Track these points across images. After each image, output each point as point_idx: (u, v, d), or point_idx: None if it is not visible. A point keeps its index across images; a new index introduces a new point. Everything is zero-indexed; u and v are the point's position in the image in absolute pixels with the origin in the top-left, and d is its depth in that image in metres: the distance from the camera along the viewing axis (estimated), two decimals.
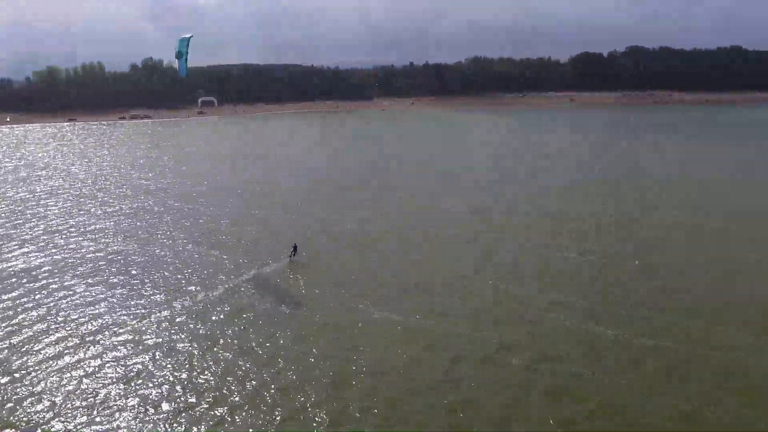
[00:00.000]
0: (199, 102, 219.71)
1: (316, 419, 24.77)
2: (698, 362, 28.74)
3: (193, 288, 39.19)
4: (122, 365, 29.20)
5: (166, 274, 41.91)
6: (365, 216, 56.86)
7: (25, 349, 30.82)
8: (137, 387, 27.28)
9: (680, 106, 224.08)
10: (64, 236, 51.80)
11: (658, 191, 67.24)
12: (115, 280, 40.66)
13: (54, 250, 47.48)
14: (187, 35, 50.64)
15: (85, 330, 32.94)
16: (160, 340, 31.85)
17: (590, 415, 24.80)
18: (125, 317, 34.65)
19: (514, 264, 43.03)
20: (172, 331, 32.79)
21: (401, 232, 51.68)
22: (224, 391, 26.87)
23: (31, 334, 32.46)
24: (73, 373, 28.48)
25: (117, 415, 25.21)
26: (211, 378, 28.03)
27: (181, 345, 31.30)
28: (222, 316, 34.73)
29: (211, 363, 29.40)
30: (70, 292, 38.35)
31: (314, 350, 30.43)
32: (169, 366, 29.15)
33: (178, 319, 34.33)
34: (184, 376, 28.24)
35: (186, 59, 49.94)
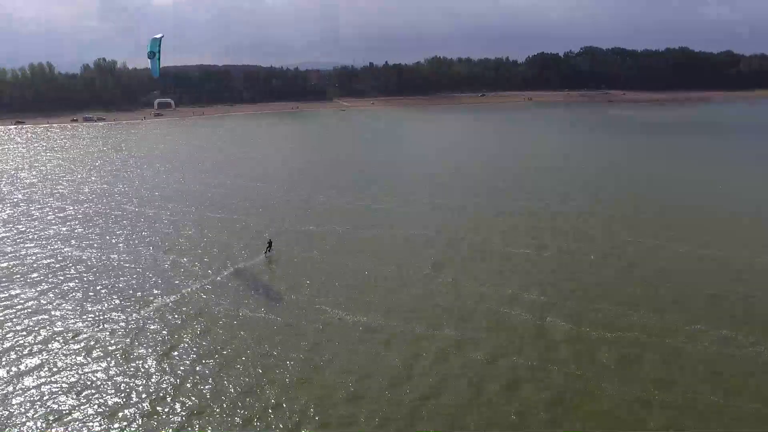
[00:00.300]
0: (156, 104, 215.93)
1: (277, 420, 24.76)
2: (649, 349, 29.97)
3: (150, 293, 38.52)
4: (77, 373, 28.53)
5: (122, 279, 41.03)
6: (323, 216, 56.91)
7: None
8: (92, 395, 26.70)
9: (632, 104, 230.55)
10: (12, 243, 50.07)
11: (609, 186, 69.48)
12: (69, 287, 39.59)
13: (0, 258, 45.96)
14: (158, 35, 50.42)
15: (38, 338, 32.05)
16: (117, 346, 31.21)
17: (547, 406, 25.54)
18: (80, 324, 33.82)
19: (472, 261, 43.75)
20: (129, 337, 32.19)
21: (359, 232, 51.85)
22: (182, 397, 26.56)
23: None
24: (26, 382, 27.69)
25: (72, 424, 24.65)
26: (169, 383, 27.66)
27: (139, 351, 30.75)
28: (180, 321, 34.26)
29: (168, 368, 29.00)
30: (21, 301, 37.20)
31: (275, 351, 30.36)
32: (126, 372, 28.61)
33: (134, 325, 33.72)
34: (140, 382, 27.77)
35: (159, 59, 50.03)
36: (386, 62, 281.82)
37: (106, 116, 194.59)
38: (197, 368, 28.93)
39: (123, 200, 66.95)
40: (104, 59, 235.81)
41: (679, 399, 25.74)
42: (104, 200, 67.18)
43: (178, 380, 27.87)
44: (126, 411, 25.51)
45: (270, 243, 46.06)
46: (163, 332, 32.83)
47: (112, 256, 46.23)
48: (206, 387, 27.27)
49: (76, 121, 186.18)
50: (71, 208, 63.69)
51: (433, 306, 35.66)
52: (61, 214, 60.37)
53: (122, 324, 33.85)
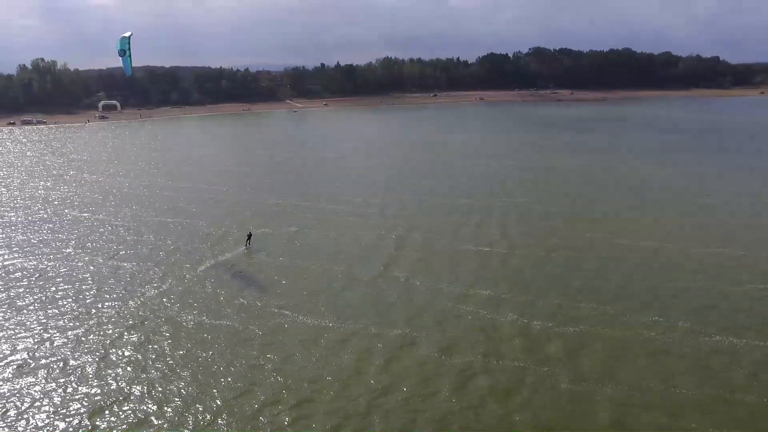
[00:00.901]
0: (100, 106, 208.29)
1: (226, 428, 23.94)
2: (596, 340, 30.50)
3: (91, 302, 36.83)
4: (9, 390, 26.89)
5: (60, 288, 39.08)
6: (273, 217, 55.99)
7: None
8: (27, 411, 25.19)
9: (578, 102, 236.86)
10: None
11: (558, 184, 70.91)
12: (3, 297, 37.47)
13: None
14: (127, 33, 49.89)
15: None
16: (55, 357, 29.63)
17: (499, 398, 25.59)
18: (15, 338, 31.98)
19: (424, 259, 43.68)
20: (67, 348, 30.61)
21: (309, 233, 51.17)
22: (124, 407, 25.36)
23: None
24: None
25: None
26: (109, 394, 26.37)
27: (76, 362, 29.25)
28: (121, 330, 32.79)
29: (110, 378, 27.68)
30: None
31: (221, 358, 29.44)
32: (64, 385, 27.13)
33: (72, 334, 32.12)
34: (80, 394, 26.39)
35: (130, 56, 49.61)
36: (338, 63, 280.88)
37: (46, 119, 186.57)
38: (141, 377, 27.72)
39: (64, 206, 64.09)
40: (43, 59, 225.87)
41: (625, 388, 26.23)
42: (44, 206, 64.13)
43: (118, 391, 26.61)
44: (63, 424, 24.17)
45: (250, 235, 47.21)
46: (105, 342, 31.33)
47: (50, 264, 44.01)
48: (148, 397, 26.13)
49: (14, 124, 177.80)
50: (9, 214, 60.53)
51: (386, 305, 35.32)
52: None
53: (59, 335, 32.17)
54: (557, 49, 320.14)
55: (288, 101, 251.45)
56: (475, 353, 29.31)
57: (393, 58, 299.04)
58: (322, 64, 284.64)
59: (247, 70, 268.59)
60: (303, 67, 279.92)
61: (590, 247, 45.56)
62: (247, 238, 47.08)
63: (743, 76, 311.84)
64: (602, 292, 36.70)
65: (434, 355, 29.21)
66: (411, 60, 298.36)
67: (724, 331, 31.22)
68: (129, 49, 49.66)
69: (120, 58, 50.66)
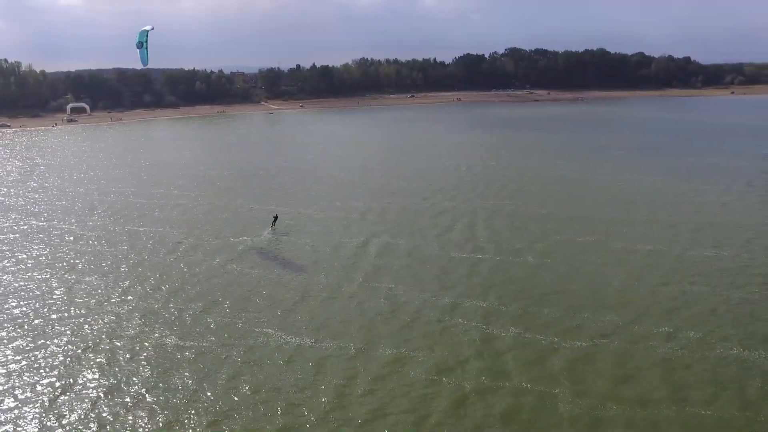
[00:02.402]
0: (68, 109, 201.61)
1: None
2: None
3: (47, 321, 33.83)
4: None
5: (13, 305, 35.96)
6: (246, 225, 53.23)
7: None
8: None
9: (556, 103, 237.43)
10: None
11: (528, 184, 69.37)
12: None
13: None
14: (148, 27, 51.58)
15: None
16: (9, 384, 26.68)
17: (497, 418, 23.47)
18: None
19: (409, 267, 41.44)
20: (26, 372, 27.67)
21: (285, 241, 48.65)
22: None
23: None
24: None
25: None
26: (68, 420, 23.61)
27: (39, 386, 26.37)
28: (81, 351, 29.99)
29: (67, 412, 24.88)
30: None
31: (193, 383, 26.82)
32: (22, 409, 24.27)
33: (28, 357, 29.16)
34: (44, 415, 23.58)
35: (147, 48, 51.58)
36: (314, 64, 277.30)
37: (10, 123, 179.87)
38: (103, 406, 24.99)
39: (26, 214, 60.37)
40: (6, 60, 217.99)
41: (631, 406, 24.32)
42: (4, 215, 60.33)
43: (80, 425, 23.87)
44: None
45: (275, 217, 51.31)
46: (67, 362, 28.57)
47: (6, 277, 40.79)
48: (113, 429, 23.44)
49: None
50: None
51: (368, 320, 32.93)
52: None
53: (12, 357, 29.21)
54: (533, 49, 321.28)
55: (263, 103, 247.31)
56: (467, 372, 27.15)
57: (369, 58, 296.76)
58: (297, 65, 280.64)
59: (221, 71, 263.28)
60: (278, 68, 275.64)
61: (584, 251, 43.87)
62: (273, 220, 51.28)
63: (714, 76, 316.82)
64: (597, 298, 34.97)
65: (423, 376, 26.96)
66: (387, 60, 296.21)
67: (730, 340, 29.65)
68: (146, 41, 51.30)
69: (137, 50, 52.45)
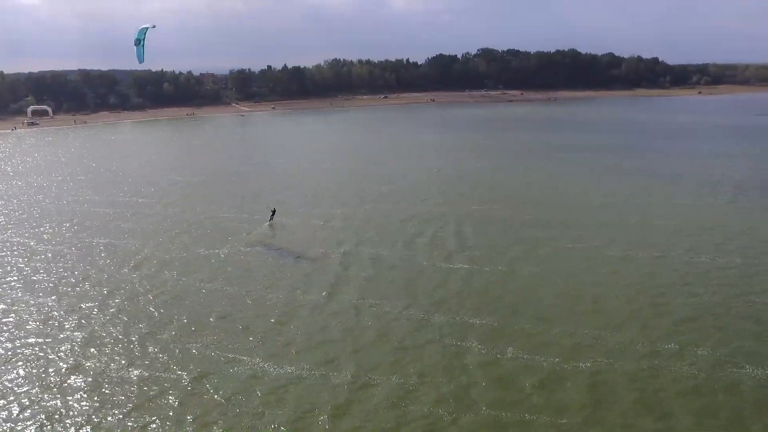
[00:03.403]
0: (29, 111, 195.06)
1: None
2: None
3: None
4: None
5: None
6: (204, 235, 50.80)
7: None
8: None
9: (530, 103, 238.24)
10: None
11: (523, 190, 68.22)
12: None
13: None
14: (148, 25, 51.65)
15: None
16: None
17: None
18: None
19: (376, 278, 39.54)
20: None
21: (242, 252, 46.36)
22: None
23: None
24: None
25: None
26: None
27: None
28: (18, 380, 27.38)
29: None
30: None
31: (137, 416, 24.49)
32: None
33: None
34: None
35: (143, 46, 51.95)
36: (285, 65, 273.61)
37: None
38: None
39: None
40: None
41: None
42: None
43: None
44: None
45: (273, 211, 53.22)
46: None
47: None
48: None
49: None
50: None
51: (328, 342, 30.70)
52: None
53: None
54: (505, 50, 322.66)
55: (234, 105, 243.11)
56: (439, 398, 25.28)
57: (341, 59, 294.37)
58: (268, 66, 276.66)
59: (190, 72, 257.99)
60: (249, 69, 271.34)
61: (555, 257, 42.49)
62: (271, 214, 53.13)
63: (681, 77, 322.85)
64: (571, 310, 33.54)
65: (390, 402, 25.06)
66: (360, 61, 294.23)
67: (714, 351, 28.42)
68: (144, 39, 51.58)
69: (135, 47, 52.53)
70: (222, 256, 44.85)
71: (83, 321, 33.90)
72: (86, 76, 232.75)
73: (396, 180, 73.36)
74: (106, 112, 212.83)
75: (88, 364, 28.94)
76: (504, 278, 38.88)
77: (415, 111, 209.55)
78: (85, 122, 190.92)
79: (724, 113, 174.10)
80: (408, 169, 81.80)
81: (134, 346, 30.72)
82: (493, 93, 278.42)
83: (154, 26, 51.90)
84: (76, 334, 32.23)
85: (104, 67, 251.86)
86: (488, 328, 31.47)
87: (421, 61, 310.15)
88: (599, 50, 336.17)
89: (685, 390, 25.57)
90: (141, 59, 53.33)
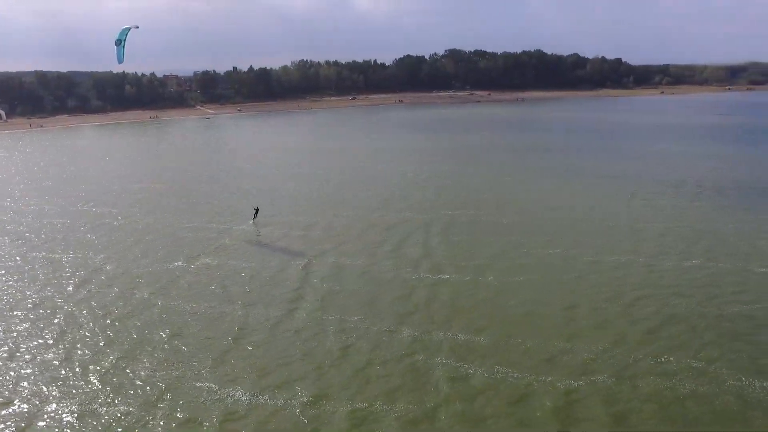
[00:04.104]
0: None
1: None
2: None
3: None
4: None
5: None
6: (156, 247, 48.04)
7: None
8: None
9: (498, 104, 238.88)
10: None
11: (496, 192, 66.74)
12: None
13: None
14: (132, 25, 51.09)
15: None
16: None
17: None
18: None
19: (358, 292, 37.36)
20: None
21: (197, 264, 43.73)
22: None
23: None
24: None
25: None
26: None
27: None
28: None
29: None
30: None
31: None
32: None
33: None
34: None
35: (124, 47, 51.67)
36: (251, 66, 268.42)
37: None
38: None
39: None
40: None
41: None
42: None
43: None
44: None
45: (257, 210, 53.90)
46: None
47: None
48: None
49: None
50: None
51: (288, 362, 28.72)
52: None
53: None
54: (472, 50, 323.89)
55: (199, 107, 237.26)
56: (408, 421, 23.55)
57: (308, 60, 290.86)
58: (234, 67, 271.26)
59: (153, 74, 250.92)
60: (214, 70, 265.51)
61: (547, 265, 40.92)
62: (254, 212, 53.78)
63: (643, 77, 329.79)
64: (570, 323, 31.99)
65: (354, 426, 23.20)
66: (327, 62, 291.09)
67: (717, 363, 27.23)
68: (125, 40, 51.31)
69: (115, 47, 51.96)
70: (180, 269, 42.41)
71: (16, 348, 30.96)
72: (43, 77, 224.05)
73: (361, 185, 71.34)
74: (65, 116, 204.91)
75: (17, 401, 26.04)
76: (473, 288, 37.29)
77: (383, 112, 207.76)
78: (41, 126, 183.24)
79: (690, 113, 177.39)
80: (375, 172, 79.84)
81: (74, 374, 28.19)
82: (460, 93, 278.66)
83: (137, 27, 51.39)
84: (9, 364, 29.19)
85: (63, 69, 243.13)
86: (457, 343, 29.76)
87: (388, 62, 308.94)
88: (563, 51, 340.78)
89: (659, 401, 24.41)
90: (121, 60, 53.39)
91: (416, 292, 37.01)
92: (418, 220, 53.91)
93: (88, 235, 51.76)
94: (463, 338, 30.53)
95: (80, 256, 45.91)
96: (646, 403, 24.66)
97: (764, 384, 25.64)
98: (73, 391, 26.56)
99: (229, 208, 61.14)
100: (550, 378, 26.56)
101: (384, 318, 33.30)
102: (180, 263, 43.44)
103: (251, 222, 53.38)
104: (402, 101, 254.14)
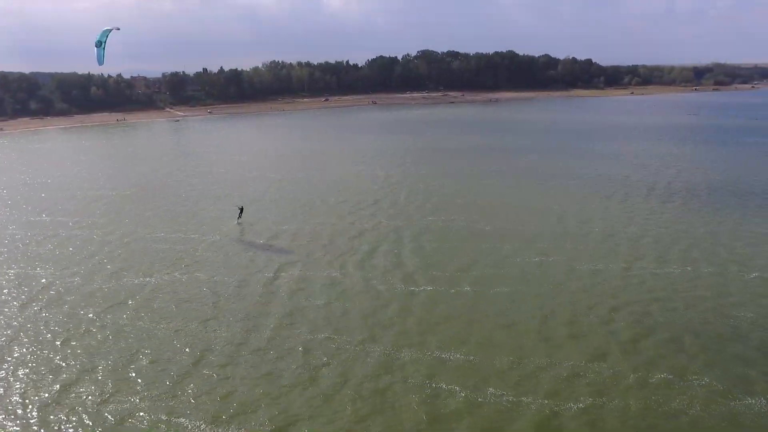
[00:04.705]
0: None
1: None
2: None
3: None
4: None
5: None
6: (113, 260, 45.43)
7: None
8: None
9: (471, 104, 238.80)
10: None
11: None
12: None
13: None
14: (112, 27, 51.43)
15: None
16: None
17: None
18: None
19: (327, 307, 35.45)
20: None
21: (177, 282, 41.38)
22: None
23: None
24: None
25: None
26: None
27: None
28: None
29: None
30: None
31: None
32: None
33: None
34: None
35: (104, 49, 51.95)
36: (221, 68, 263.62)
37: None
38: None
39: None
40: None
41: None
42: None
43: None
44: None
45: (241, 209, 54.50)
46: None
47: None
48: None
49: None
50: None
51: (274, 394, 26.66)
52: None
53: None
54: (444, 51, 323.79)
55: (168, 109, 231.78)
56: None
57: (280, 61, 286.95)
58: (204, 68, 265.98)
59: (120, 76, 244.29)
60: (183, 72, 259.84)
61: (522, 274, 39.56)
62: (239, 212, 54.27)
63: (613, 77, 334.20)
64: (548, 336, 30.61)
65: None
66: (300, 63, 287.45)
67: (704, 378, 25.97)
68: (105, 41, 51.59)
69: (95, 48, 52.15)
70: (138, 284, 39.96)
71: None
72: (3, 78, 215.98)
73: (332, 190, 69.38)
74: (26, 118, 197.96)
75: None
76: (448, 299, 35.75)
77: (356, 113, 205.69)
78: (1, 129, 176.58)
79: (660, 113, 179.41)
80: (346, 176, 77.89)
81: (11, 405, 25.84)
82: (434, 94, 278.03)
83: (119, 29, 51.97)
84: None
85: (26, 70, 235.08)
86: (432, 361, 28.13)
87: (361, 62, 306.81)
88: (533, 51, 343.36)
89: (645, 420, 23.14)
90: (101, 61, 54.20)
91: (389, 305, 35.28)
92: (390, 226, 52.24)
93: (41, 248, 48.69)
94: (438, 355, 28.91)
95: (29, 271, 43.00)
96: (631, 423, 23.35)
97: (754, 401, 24.56)
98: (8, 426, 24.16)
99: (195, 216, 58.59)
100: (530, 399, 25.10)
101: (354, 334, 31.50)
102: (139, 278, 40.95)
103: (237, 222, 53.92)
104: (375, 102, 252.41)
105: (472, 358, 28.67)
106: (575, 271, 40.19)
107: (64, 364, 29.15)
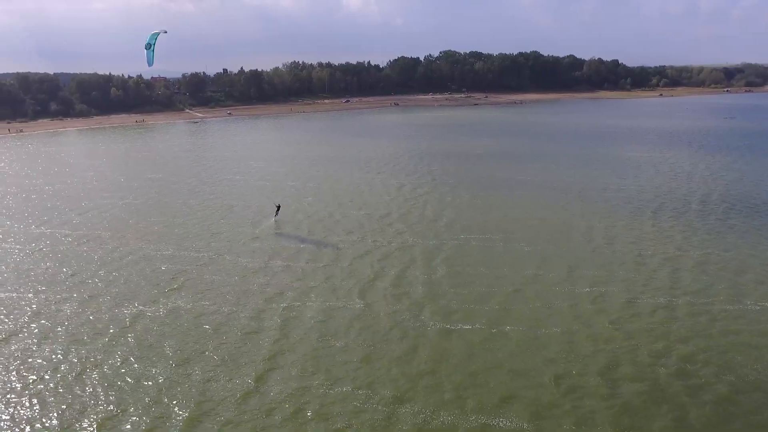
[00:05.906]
0: None
1: None
2: None
3: None
4: None
5: None
6: (129, 288, 41.03)
7: None
8: None
9: (496, 106, 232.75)
10: None
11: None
12: None
13: None
14: (159, 30, 54.04)
15: None
16: None
17: None
18: None
19: (321, 348, 30.67)
20: None
21: (177, 312, 36.86)
22: None
23: None
24: None
25: None
26: None
27: None
28: None
29: None
30: None
31: None
32: None
33: None
34: None
35: (153, 51, 54.28)
36: (242, 68, 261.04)
37: None
38: None
39: None
40: None
41: None
42: None
43: None
44: None
45: (278, 207, 55.46)
46: None
47: None
48: None
49: None
50: None
51: None
52: None
53: None
54: (468, 52, 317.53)
55: (187, 110, 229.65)
56: None
57: (300, 62, 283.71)
58: (224, 69, 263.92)
59: (140, 76, 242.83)
60: (203, 72, 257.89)
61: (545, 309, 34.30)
62: (276, 210, 55.29)
63: (640, 78, 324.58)
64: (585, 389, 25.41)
65: None
66: (320, 64, 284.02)
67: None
68: (154, 43, 53.77)
69: (145, 50, 54.86)
70: (136, 314, 35.67)
71: None
72: (24, 80, 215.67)
73: (355, 203, 64.66)
74: (46, 120, 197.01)
75: None
76: (490, 341, 30.77)
77: (378, 115, 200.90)
78: (21, 131, 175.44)
79: (695, 116, 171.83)
80: (370, 187, 73.22)
81: None
82: (457, 96, 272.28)
83: (166, 32, 54.98)
84: None
85: (47, 70, 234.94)
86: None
87: (382, 63, 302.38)
88: (555, 52, 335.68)
89: None
90: (150, 63, 56.22)
91: (419, 349, 30.31)
92: (419, 245, 47.29)
93: (36, 268, 44.43)
94: (482, 422, 23.88)
95: (20, 295, 38.83)
96: None
97: None
98: None
99: (208, 229, 54.28)
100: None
101: (380, 389, 26.59)
102: (137, 306, 36.57)
103: (273, 220, 54.89)
104: (397, 104, 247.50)
105: (524, 426, 23.57)
106: (633, 305, 34.87)
107: (40, 419, 24.75)
